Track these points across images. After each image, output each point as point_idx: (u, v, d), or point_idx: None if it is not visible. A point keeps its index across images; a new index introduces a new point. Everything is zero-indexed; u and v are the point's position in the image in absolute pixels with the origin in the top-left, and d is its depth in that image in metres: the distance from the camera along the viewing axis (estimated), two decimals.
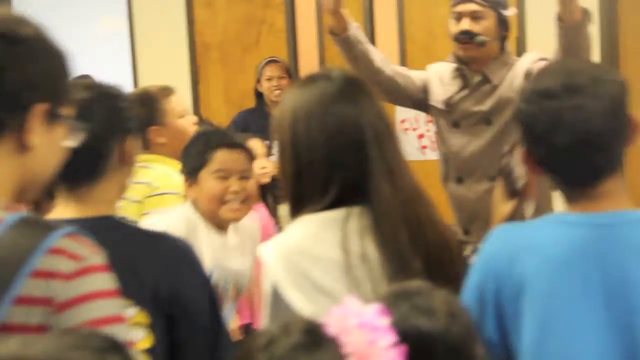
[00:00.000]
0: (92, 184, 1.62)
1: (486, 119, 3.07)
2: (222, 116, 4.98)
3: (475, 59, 3.08)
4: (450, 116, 3.13)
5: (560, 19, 2.85)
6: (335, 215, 1.54)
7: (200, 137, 2.54)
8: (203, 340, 1.64)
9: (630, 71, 4.17)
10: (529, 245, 1.49)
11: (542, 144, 1.50)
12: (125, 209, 2.86)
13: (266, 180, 3.75)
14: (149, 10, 5.31)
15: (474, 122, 3.10)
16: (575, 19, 2.82)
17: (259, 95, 4.81)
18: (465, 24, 3.04)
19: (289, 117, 1.59)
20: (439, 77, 3.18)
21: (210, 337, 1.65)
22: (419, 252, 1.53)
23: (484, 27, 3.04)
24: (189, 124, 3.06)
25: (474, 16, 3.05)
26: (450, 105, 3.13)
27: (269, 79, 4.76)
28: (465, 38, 3.04)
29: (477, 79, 3.10)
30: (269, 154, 3.78)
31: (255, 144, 3.67)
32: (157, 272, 1.59)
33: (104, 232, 1.44)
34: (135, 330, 1.55)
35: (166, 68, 5.30)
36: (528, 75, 2.94)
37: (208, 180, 2.40)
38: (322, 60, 5.07)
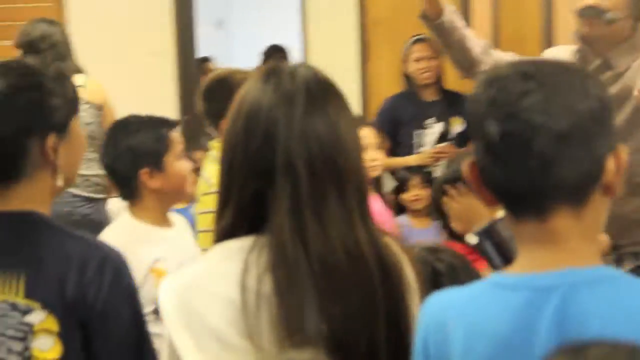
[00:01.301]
0: (9, 184, 1.51)
1: None
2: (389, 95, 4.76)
3: (602, 39, 2.67)
4: None
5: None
6: (241, 244, 1.32)
7: (143, 125, 2.36)
8: (122, 358, 1.47)
9: None
10: (460, 317, 1.19)
11: (477, 138, 1.20)
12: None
13: (377, 173, 3.51)
14: None
15: None
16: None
17: (407, 78, 4.50)
18: None
19: (232, 112, 1.39)
20: None
21: (132, 355, 1.48)
22: (330, 318, 1.27)
23: (614, 2, 2.63)
24: None
25: None
26: None
27: (417, 60, 4.37)
28: (592, 14, 2.63)
29: (596, 63, 2.69)
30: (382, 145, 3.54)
31: (367, 133, 3.45)
32: (64, 272, 1.46)
33: (16, 227, 1.33)
34: (43, 338, 1.41)
35: (335, 44, 5.15)
36: None
37: (175, 163, 2.31)
38: (496, 38, 4.70)
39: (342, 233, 1.31)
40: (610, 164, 1.16)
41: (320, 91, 1.36)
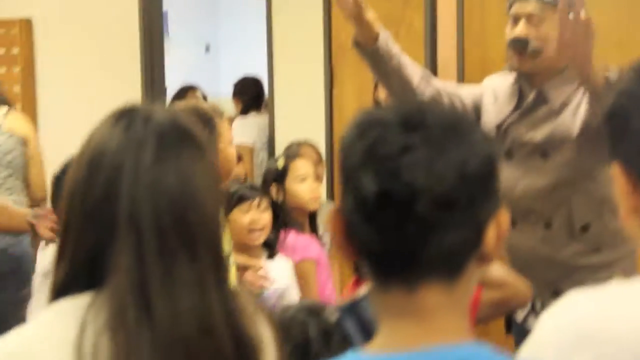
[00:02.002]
0: None
1: (542, 150, 2.51)
2: None
3: (534, 72, 2.53)
4: (502, 144, 2.57)
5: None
6: (76, 302, 1.18)
7: None
8: None
9: None
10: None
11: (348, 189, 1.07)
12: None
13: (316, 206, 3.39)
14: (287, 8, 5.09)
15: (527, 152, 2.54)
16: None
17: (377, 105, 4.40)
18: (520, 29, 2.50)
19: (76, 156, 1.26)
20: (494, 94, 2.65)
21: None
22: None
23: (543, 32, 2.48)
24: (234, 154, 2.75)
25: (532, 19, 2.50)
26: (501, 130, 2.58)
27: None
28: (518, 47, 2.50)
29: (531, 97, 2.55)
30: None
31: (303, 164, 3.34)
32: None
33: None
34: None
35: (301, 67, 5.06)
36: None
37: None
38: (461, 64, 4.60)
39: (192, 299, 1.18)
40: (491, 232, 1.05)
41: (175, 138, 1.23)
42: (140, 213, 1.18)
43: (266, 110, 5.37)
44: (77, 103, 5.41)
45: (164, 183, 1.19)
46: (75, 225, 1.21)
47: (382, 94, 4.25)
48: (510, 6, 2.57)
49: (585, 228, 2.48)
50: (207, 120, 2.57)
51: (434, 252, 1.02)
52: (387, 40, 2.51)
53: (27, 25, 5.51)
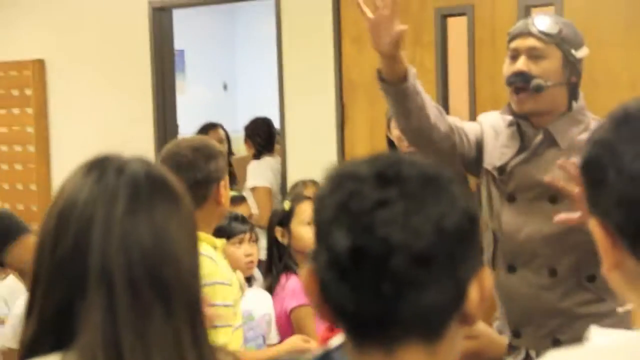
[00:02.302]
0: None
1: (550, 194, 2.37)
2: None
3: (535, 112, 2.41)
4: (505, 186, 2.46)
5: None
6: None
7: None
8: None
9: None
10: None
11: (321, 246, 1.02)
12: None
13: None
14: (297, 44, 5.06)
15: (534, 196, 2.42)
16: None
17: (391, 144, 4.31)
18: (521, 64, 2.38)
19: (48, 207, 1.21)
20: (495, 133, 2.53)
21: None
22: None
23: (544, 68, 2.37)
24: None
25: (532, 54, 2.38)
26: (505, 172, 2.46)
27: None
28: (519, 82, 2.38)
29: (538, 138, 2.43)
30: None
31: (307, 207, 3.32)
32: None
33: None
34: None
35: (313, 105, 5.02)
36: None
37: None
38: (473, 104, 4.55)
39: (168, 355, 1.12)
40: (474, 292, 1.00)
41: (150, 189, 1.18)
42: (112, 266, 1.13)
43: (279, 152, 5.33)
44: (89, 142, 5.40)
45: (137, 235, 1.15)
46: (44, 279, 1.16)
47: (396, 132, 4.18)
48: (510, 41, 2.45)
49: (592, 277, 2.36)
50: (213, 155, 2.53)
51: (411, 312, 0.97)
52: (415, 76, 2.36)
53: (39, 66, 5.53)
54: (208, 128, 5.45)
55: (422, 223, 0.96)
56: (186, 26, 8.40)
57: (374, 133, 4.74)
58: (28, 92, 5.54)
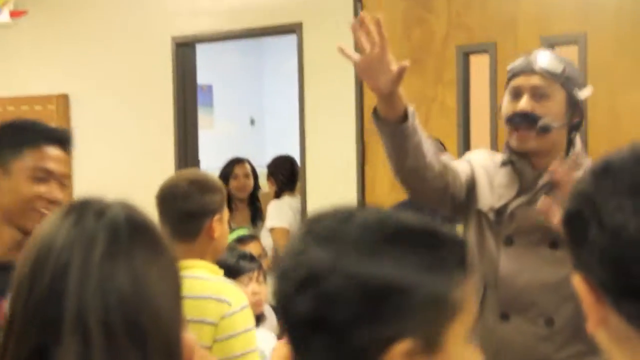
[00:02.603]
0: None
1: (551, 240, 2.28)
2: (387, 202, 4.54)
3: (537, 151, 2.32)
4: (503, 229, 2.35)
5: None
6: None
7: None
8: None
9: None
10: None
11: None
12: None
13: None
14: (318, 80, 5.04)
15: (535, 241, 2.32)
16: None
17: None
18: (524, 103, 2.28)
19: (24, 250, 1.18)
20: (486, 173, 2.42)
21: None
22: None
23: (549, 108, 2.28)
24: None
25: (537, 93, 2.28)
26: (504, 214, 2.35)
27: None
28: (524, 123, 2.28)
29: (542, 180, 2.33)
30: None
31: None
32: None
33: None
34: None
35: (333, 143, 4.99)
36: None
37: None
38: (494, 142, 4.49)
39: None
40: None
41: (130, 234, 1.14)
42: (88, 311, 1.09)
43: (299, 192, 5.30)
44: (111, 176, 5.41)
45: (115, 281, 1.11)
46: (18, 323, 1.13)
47: None
48: (511, 78, 2.36)
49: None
50: (209, 188, 2.55)
51: None
52: (414, 115, 2.23)
53: (64, 100, 5.56)
54: (234, 163, 5.43)
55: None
56: (214, 61, 8.45)
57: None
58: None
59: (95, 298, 1.09)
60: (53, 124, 5.48)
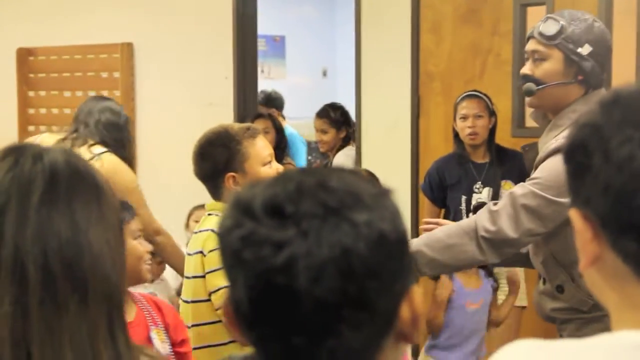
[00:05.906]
0: None
1: None
2: (440, 153, 4.50)
3: (539, 108, 2.62)
4: None
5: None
6: None
7: None
8: None
9: None
10: None
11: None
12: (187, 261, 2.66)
13: None
14: (375, 34, 5.00)
15: None
16: None
17: (456, 137, 4.18)
18: (525, 67, 2.57)
19: None
20: None
21: None
22: None
23: (545, 70, 2.50)
24: (273, 173, 2.74)
25: (535, 57, 2.54)
26: None
27: (463, 118, 4.09)
28: (520, 83, 2.61)
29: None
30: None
31: None
32: None
33: None
34: None
35: (388, 97, 4.95)
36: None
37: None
38: None
39: (79, 352, 1.08)
40: (405, 311, 0.96)
41: (68, 180, 1.14)
42: (26, 258, 1.09)
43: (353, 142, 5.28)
44: (173, 125, 5.50)
45: (53, 226, 1.10)
46: None
47: (458, 125, 4.11)
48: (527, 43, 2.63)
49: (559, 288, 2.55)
50: (226, 143, 2.59)
51: (331, 356, 0.92)
52: None
53: (128, 49, 5.65)
54: (255, 118, 5.33)
55: (324, 263, 0.89)
56: (287, 13, 8.46)
57: (449, 125, 4.63)
58: (116, 74, 5.67)
59: (33, 243, 1.09)
60: (117, 72, 5.61)
